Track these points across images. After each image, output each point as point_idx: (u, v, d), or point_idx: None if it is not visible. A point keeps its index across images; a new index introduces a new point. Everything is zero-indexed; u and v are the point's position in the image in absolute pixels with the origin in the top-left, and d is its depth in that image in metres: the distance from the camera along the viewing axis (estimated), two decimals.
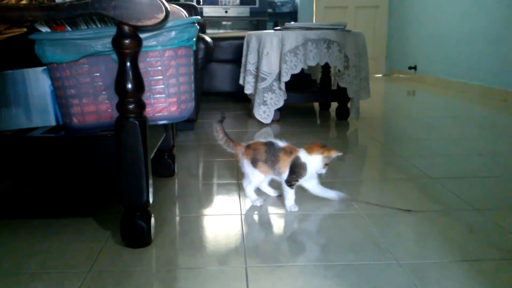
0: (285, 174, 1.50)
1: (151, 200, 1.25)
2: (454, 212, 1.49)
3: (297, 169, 1.49)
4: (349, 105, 3.13)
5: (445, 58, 5.03)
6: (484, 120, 3.13)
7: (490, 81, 4.15)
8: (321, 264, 1.16)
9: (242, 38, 3.79)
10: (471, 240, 1.29)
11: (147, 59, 1.28)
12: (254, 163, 1.53)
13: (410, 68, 5.88)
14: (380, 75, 6.65)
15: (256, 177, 1.55)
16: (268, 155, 1.51)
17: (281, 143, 1.53)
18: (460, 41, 4.71)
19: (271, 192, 1.65)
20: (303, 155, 1.50)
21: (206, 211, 1.53)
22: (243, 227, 1.39)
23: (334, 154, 1.49)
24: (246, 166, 1.55)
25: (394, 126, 2.94)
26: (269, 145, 1.52)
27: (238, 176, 1.88)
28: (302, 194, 1.66)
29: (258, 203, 1.57)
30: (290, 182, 1.50)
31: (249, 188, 1.58)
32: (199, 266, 1.16)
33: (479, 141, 2.47)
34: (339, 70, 2.98)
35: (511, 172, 1.91)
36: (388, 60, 6.66)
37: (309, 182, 1.56)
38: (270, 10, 6.54)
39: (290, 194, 1.52)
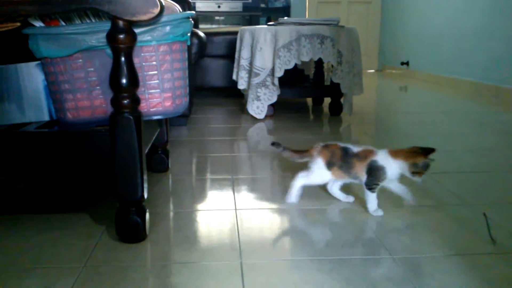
0: (363, 178, 1.45)
1: (145, 195, 1.25)
2: (446, 206, 1.51)
3: (374, 173, 1.42)
4: (342, 100, 3.14)
5: (437, 54, 5.05)
6: (476, 115, 3.15)
7: (482, 76, 4.18)
8: (316, 258, 1.17)
9: (235, 33, 3.79)
10: (463, 235, 1.30)
11: (142, 54, 1.28)
12: (329, 165, 1.47)
13: (402, 63, 5.90)
14: (373, 71, 6.67)
15: (321, 179, 1.50)
16: (342, 162, 1.45)
17: (356, 148, 1.46)
18: (452, 37, 4.73)
19: (342, 197, 1.57)
20: (381, 157, 1.42)
21: (200, 206, 1.53)
22: (238, 222, 1.39)
23: (421, 161, 1.37)
24: (317, 164, 1.48)
25: (386, 121, 2.96)
26: (345, 150, 1.46)
27: (232, 171, 1.89)
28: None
29: (293, 199, 1.54)
30: (369, 186, 1.44)
31: (300, 183, 1.53)
32: (194, 261, 1.16)
33: (471, 137, 2.49)
34: (332, 66, 2.98)
35: (502, 167, 1.93)
36: (380, 55, 6.68)
37: (390, 184, 1.48)
38: (263, 5, 6.53)
39: (371, 198, 1.45)
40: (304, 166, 1.53)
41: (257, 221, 1.40)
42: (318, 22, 2.98)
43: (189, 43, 1.43)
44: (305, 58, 2.89)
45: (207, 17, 6.42)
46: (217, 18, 6.54)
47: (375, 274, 1.09)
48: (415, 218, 1.42)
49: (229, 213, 1.46)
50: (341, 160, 1.46)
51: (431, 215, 1.44)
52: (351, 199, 1.56)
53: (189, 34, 1.39)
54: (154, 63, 1.31)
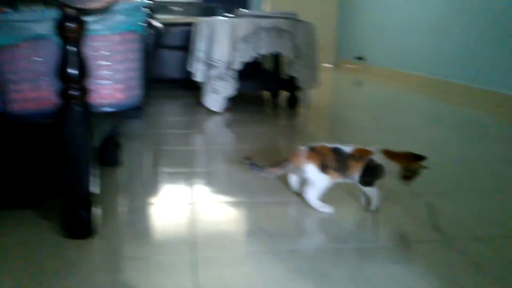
0: (357, 176, 1.41)
1: (95, 190, 1.22)
2: (395, 196, 1.54)
3: (373, 171, 1.39)
4: (299, 94, 3.16)
5: (391, 49, 5.17)
6: (425, 109, 3.25)
7: (432, 71, 4.30)
8: (269, 250, 1.17)
9: (192, 24, 3.74)
10: (411, 223, 1.34)
11: (93, 44, 1.24)
12: (324, 168, 1.41)
13: (358, 58, 6.00)
14: (329, 65, 6.75)
15: (324, 182, 1.42)
16: (338, 163, 1.40)
17: (347, 148, 1.42)
18: (405, 32, 4.85)
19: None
20: (378, 157, 1.39)
21: (154, 200, 1.50)
22: (192, 216, 1.38)
23: (415, 166, 1.37)
24: (312, 171, 1.41)
25: (342, 115, 3.00)
26: (337, 151, 1.41)
27: (188, 165, 1.87)
28: (253, 182, 1.67)
29: (328, 210, 1.43)
30: (368, 182, 1.40)
31: (314, 195, 1.43)
32: (146, 256, 1.14)
33: (422, 129, 2.57)
34: (289, 59, 3.00)
35: (450, 158, 2.00)
36: (336, 50, 6.77)
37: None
38: None
39: (373, 193, 1.41)
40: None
41: (213, 215, 1.40)
42: (276, 16, 2.99)
43: (144, 33, 1.40)
44: (263, 51, 2.89)
45: (164, 7, 6.31)
46: (174, 8, 6.44)
47: (325, 264, 1.10)
48: (362, 210, 1.44)
49: (184, 207, 1.45)
50: (336, 162, 1.40)
51: (382, 205, 1.47)
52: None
53: (143, 24, 1.36)
54: (106, 53, 1.28)
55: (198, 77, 3.09)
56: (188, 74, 3.49)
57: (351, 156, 1.41)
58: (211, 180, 1.69)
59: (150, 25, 2.76)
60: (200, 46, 3.05)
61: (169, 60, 3.86)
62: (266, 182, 1.65)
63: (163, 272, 1.06)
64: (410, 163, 1.38)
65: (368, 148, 1.43)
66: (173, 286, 1.01)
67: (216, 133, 2.51)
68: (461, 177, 1.77)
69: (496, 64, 3.43)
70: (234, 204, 1.48)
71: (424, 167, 1.38)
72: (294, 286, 1.01)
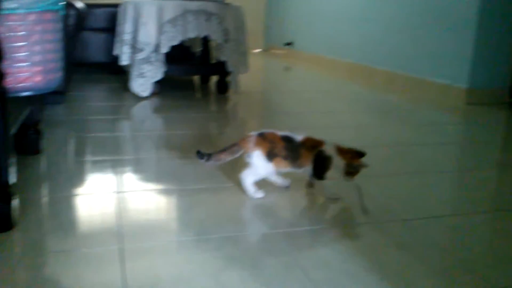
0: (309, 168, 1.39)
1: (13, 180, 1.14)
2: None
3: (323, 162, 1.37)
4: (228, 79, 3.14)
5: (319, 35, 5.26)
6: (351, 94, 3.35)
7: (357, 57, 4.44)
8: (200, 238, 1.15)
9: (118, 5, 3.60)
10: (339, 207, 1.37)
11: (8, 23, 1.15)
12: (271, 157, 1.37)
13: (286, 44, 6.06)
14: (258, 50, 6.77)
15: (266, 171, 1.40)
16: (288, 152, 1.37)
17: (298, 137, 1.39)
18: (332, 19, 4.96)
19: (282, 182, 1.49)
20: (329, 148, 1.37)
21: (79, 190, 1.44)
22: (119, 206, 1.33)
23: (358, 163, 1.36)
24: (257, 157, 1.38)
25: (271, 100, 3.02)
26: (288, 140, 1.38)
27: (114, 152, 1.80)
28: (183, 169, 1.64)
29: (260, 195, 1.41)
30: (319, 175, 1.39)
31: (250, 180, 1.41)
32: (70, 248, 1.08)
33: (346, 114, 2.64)
34: (218, 43, 2.96)
35: (373, 142, 2.07)
36: (265, 35, 6.80)
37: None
38: None
39: (325, 185, 1.41)
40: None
41: (141, 204, 1.35)
42: None
43: (63, 13, 1.32)
44: (191, 35, 2.83)
45: None
46: None
47: (257, 250, 1.11)
48: (294, 195, 1.46)
49: (110, 196, 1.39)
50: (285, 151, 1.38)
51: (309, 191, 1.49)
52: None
53: (63, 3, 1.28)
54: (22, 33, 1.19)
55: (124, 60, 2.98)
56: (115, 58, 3.36)
57: (302, 145, 1.39)
58: (139, 168, 1.64)
59: (70, 5, 2.61)
60: (126, 29, 2.94)
61: (94, 43, 3.70)
62: (197, 169, 1.63)
63: (89, 265, 1.02)
64: (353, 160, 1.36)
65: (318, 138, 1.41)
66: (100, 279, 0.97)
67: (144, 118, 2.44)
68: (386, 161, 1.84)
69: (417, 51, 3.60)
70: (164, 192, 1.45)
71: (366, 166, 1.37)
72: (228, 275, 1.00)
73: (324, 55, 5.11)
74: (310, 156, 1.38)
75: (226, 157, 1.42)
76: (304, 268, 1.04)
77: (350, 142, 2.06)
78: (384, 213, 1.34)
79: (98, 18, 3.66)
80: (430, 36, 3.43)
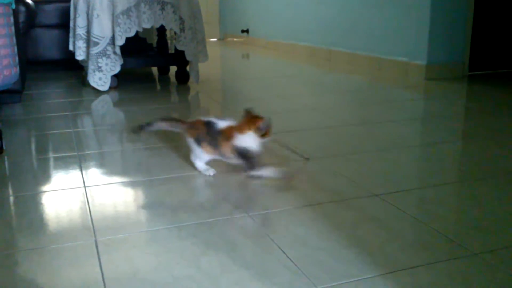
0: (234, 160, 1.42)
1: None
2: (293, 163, 1.60)
3: (244, 155, 1.39)
4: (188, 68, 3.12)
5: (275, 21, 5.27)
6: (312, 77, 3.38)
7: (316, 41, 4.48)
8: (174, 226, 1.15)
9: (69, 0, 3.50)
10: (311, 187, 1.39)
11: None
12: (198, 142, 1.44)
13: (242, 31, 6.05)
14: (215, 39, 6.73)
15: (203, 154, 1.46)
16: (210, 137, 1.41)
17: (221, 123, 1.40)
18: (287, 4, 4.97)
19: (204, 169, 1.50)
20: (239, 139, 1.39)
21: (45, 187, 1.40)
22: (88, 200, 1.31)
23: (260, 123, 1.38)
24: (191, 144, 1.47)
25: (232, 87, 3.02)
26: (210, 125, 1.42)
27: (76, 148, 1.76)
28: (149, 161, 1.62)
29: (211, 173, 1.48)
30: (250, 167, 1.41)
31: (198, 162, 1.49)
32: (43, 245, 1.06)
33: (310, 97, 2.67)
34: (175, 33, 2.93)
35: (339, 123, 2.11)
36: (221, 24, 6.76)
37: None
38: None
39: (262, 173, 1.42)
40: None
41: (109, 197, 1.34)
42: None
43: (14, 6, 1.27)
44: (147, 25, 2.79)
45: None
46: None
47: (233, 233, 1.11)
48: (267, 178, 1.47)
49: (77, 192, 1.37)
50: (207, 136, 1.42)
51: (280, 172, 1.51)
52: (211, 172, 1.48)
53: None
54: None
55: (80, 55, 2.91)
56: (69, 54, 3.27)
57: (221, 133, 1.41)
58: (104, 162, 1.62)
59: (20, 2, 2.52)
60: (79, 23, 2.86)
61: (47, 40, 3.59)
62: (164, 159, 1.61)
63: (64, 260, 1.00)
64: (255, 123, 1.39)
65: (242, 126, 1.41)
66: (78, 273, 0.96)
67: (105, 113, 2.39)
68: (353, 139, 1.88)
69: (374, 31, 3.66)
70: (131, 184, 1.43)
71: (269, 121, 1.40)
72: (207, 260, 1.00)
73: (282, 41, 5.12)
74: (229, 148, 1.41)
75: (165, 126, 1.55)
76: (283, 247, 1.05)
77: (317, 124, 2.10)
78: (356, 190, 1.37)
79: (50, 14, 3.54)
80: (386, 15, 3.49)
